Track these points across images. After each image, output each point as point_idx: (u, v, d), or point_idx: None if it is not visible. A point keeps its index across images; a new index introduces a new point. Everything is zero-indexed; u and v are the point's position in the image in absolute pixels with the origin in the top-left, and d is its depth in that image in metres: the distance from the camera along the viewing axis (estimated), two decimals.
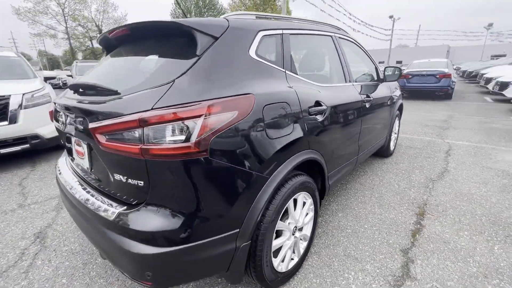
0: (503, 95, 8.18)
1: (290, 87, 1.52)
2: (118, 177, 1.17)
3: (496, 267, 1.77)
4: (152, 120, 1.01)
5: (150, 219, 1.10)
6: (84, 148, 1.39)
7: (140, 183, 1.10)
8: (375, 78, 3.05)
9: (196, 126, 1.04)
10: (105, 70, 1.60)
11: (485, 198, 2.67)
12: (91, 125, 1.15)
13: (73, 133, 1.39)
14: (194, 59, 1.19)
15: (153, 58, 1.39)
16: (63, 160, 1.85)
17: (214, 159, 1.09)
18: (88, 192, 1.37)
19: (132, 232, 1.10)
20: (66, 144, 1.65)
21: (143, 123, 1.01)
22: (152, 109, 1.02)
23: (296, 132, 1.48)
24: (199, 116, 1.04)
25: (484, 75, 10.96)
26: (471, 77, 16.86)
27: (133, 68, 1.50)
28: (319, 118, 1.68)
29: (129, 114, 1.04)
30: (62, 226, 2.34)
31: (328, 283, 1.68)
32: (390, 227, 2.24)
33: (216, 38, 1.27)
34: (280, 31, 1.63)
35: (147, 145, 1.02)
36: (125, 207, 1.17)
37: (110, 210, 1.18)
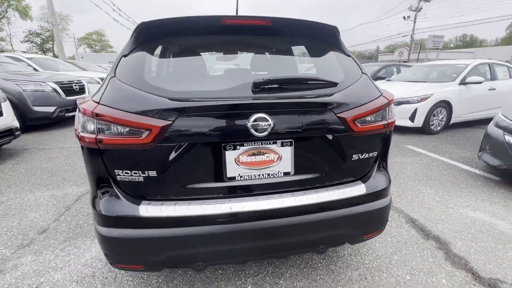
0: None
1: None
2: (356, 157, 1.32)
3: None
4: (390, 102, 1.36)
5: (383, 179, 1.43)
6: (282, 152, 1.21)
7: (374, 154, 1.38)
8: None
9: (391, 107, 1.51)
10: (253, 62, 1.36)
11: None
12: (347, 114, 1.20)
13: (265, 138, 1.16)
14: (349, 58, 1.54)
15: (311, 53, 1.45)
16: (180, 206, 1.16)
17: None
18: (311, 194, 1.25)
19: (378, 194, 1.38)
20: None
21: (387, 105, 1.34)
22: (381, 94, 1.36)
23: None
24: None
25: None
26: None
27: (301, 61, 1.42)
28: None
29: (375, 99, 1.30)
30: None
31: None
32: None
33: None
34: None
35: (387, 121, 1.36)
36: (358, 181, 1.37)
37: (354, 188, 1.32)
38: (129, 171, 1.14)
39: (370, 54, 77.51)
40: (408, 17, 30.72)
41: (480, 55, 30.54)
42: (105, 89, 1.17)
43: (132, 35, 1.35)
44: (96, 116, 1.09)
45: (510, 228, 2.25)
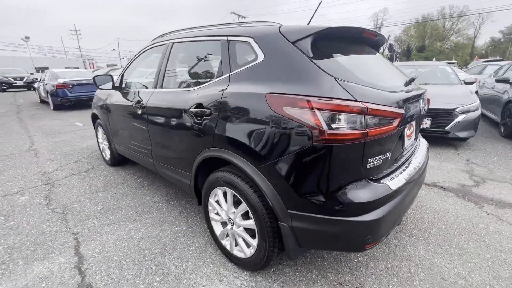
0: None
1: None
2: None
3: None
4: None
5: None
6: (414, 125, 1.80)
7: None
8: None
9: None
10: (377, 66, 1.76)
11: None
12: (425, 96, 1.98)
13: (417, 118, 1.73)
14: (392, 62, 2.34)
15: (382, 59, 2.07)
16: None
17: None
18: (424, 150, 1.93)
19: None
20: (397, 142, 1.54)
21: None
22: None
23: None
24: None
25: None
26: None
27: (383, 65, 1.94)
28: None
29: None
30: None
31: None
32: None
33: None
34: None
35: None
36: (421, 138, 2.23)
37: (425, 143, 2.15)
38: (377, 157, 1.33)
39: None
40: None
41: None
42: (344, 88, 1.25)
43: (307, 36, 1.40)
44: (368, 111, 1.21)
45: None
